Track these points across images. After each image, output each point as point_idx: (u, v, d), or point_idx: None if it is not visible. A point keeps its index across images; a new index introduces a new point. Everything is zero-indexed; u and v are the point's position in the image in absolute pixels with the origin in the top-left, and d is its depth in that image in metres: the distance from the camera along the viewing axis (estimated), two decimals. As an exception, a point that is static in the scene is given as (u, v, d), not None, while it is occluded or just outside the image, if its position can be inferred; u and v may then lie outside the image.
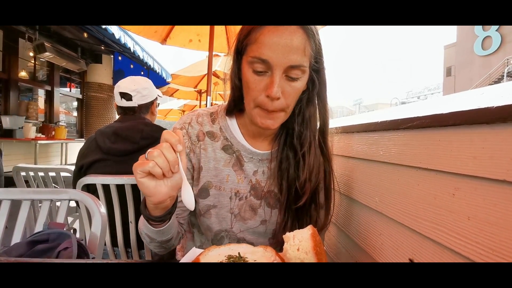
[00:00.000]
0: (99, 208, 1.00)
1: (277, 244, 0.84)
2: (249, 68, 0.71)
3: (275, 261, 0.57)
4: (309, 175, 0.79)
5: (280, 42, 0.67)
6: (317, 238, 0.55)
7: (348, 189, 0.95)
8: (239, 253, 0.61)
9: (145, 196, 0.62)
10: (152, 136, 1.41)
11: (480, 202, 0.45)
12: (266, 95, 0.70)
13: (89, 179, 1.41)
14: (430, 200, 0.55)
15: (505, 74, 20.35)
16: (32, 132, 4.73)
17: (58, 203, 1.05)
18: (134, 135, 1.39)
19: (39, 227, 1.00)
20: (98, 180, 1.41)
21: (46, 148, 5.32)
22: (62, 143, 5.44)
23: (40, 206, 1.40)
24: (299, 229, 0.61)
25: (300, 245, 0.53)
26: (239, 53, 0.76)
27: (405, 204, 0.63)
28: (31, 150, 4.82)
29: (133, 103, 1.54)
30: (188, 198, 0.60)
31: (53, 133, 5.15)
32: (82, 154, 1.46)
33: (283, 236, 0.61)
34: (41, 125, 5.19)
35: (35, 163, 4.90)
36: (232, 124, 0.85)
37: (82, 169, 1.45)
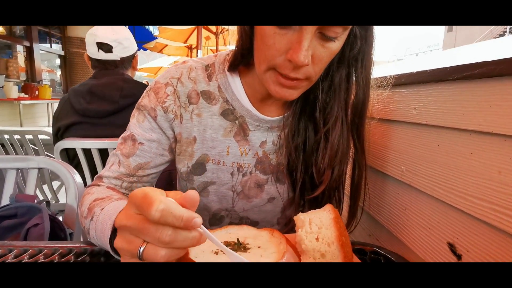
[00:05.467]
0: (74, 177, 0.86)
1: (287, 224, 0.71)
2: None
3: (283, 249, 0.45)
4: (330, 160, 0.62)
5: None
6: (341, 224, 0.42)
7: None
8: (237, 239, 0.49)
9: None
10: (133, 94, 1.23)
11: None
12: (288, 58, 0.50)
13: (67, 143, 1.26)
14: (491, 174, 0.42)
15: (507, 30, 19.64)
16: (14, 91, 4.46)
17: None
18: (113, 93, 1.21)
19: (5, 200, 0.87)
20: (77, 144, 1.26)
21: (31, 109, 5.06)
22: (47, 103, 5.18)
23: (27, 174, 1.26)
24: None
25: (320, 234, 0.41)
26: None
27: (447, 177, 0.50)
28: (15, 111, 4.58)
29: (114, 56, 1.33)
30: None
31: (37, 92, 4.87)
32: (56, 117, 1.29)
33: (294, 217, 0.48)
34: (23, 84, 4.88)
35: (21, 125, 4.70)
36: (235, 82, 0.66)
37: (58, 132, 1.30)
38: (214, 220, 0.73)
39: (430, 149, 0.55)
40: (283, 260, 0.40)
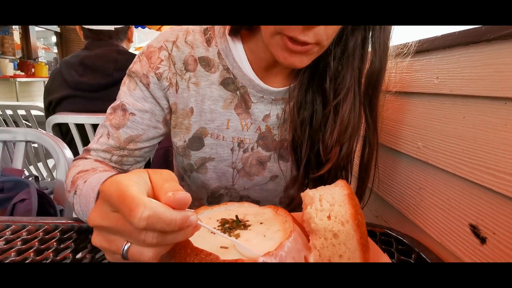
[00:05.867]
0: (64, 151, 0.81)
1: (289, 202, 0.67)
2: None
3: (289, 228, 0.40)
4: (338, 136, 0.56)
5: None
6: (356, 201, 0.37)
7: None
8: (236, 216, 0.44)
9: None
10: (127, 66, 1.16)
11: None
12: None
13: (59, 118, 1.20)
14: (530, 147, 0.36)
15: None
16: (9, 68, 4.39)
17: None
18: (106, 65, 1.14)
19: (-9, 174, 0.82)
20: (70, 118, 1.20)
21: (27, 87, 4.98)
22: (44, 81, 5.08)
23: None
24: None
25: (332, 211, 0.36)
26: None
27: (473, 153, 0.45)
28: (11, 89, 4.52)
29: (108, 26, 1.25)
30: None
31: (33, 70, 4.78)
32: (48, 90, 1.23)
33: (302, 194, 0.43)
34: (18, 61, 4.78)
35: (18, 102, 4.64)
36: (236, 48, 0.59)
37: (50, 106, 1.24)
38: (212, 198, 0.68)
39: (454, 122, 0.49)
40: (290, 240, 0.35)
